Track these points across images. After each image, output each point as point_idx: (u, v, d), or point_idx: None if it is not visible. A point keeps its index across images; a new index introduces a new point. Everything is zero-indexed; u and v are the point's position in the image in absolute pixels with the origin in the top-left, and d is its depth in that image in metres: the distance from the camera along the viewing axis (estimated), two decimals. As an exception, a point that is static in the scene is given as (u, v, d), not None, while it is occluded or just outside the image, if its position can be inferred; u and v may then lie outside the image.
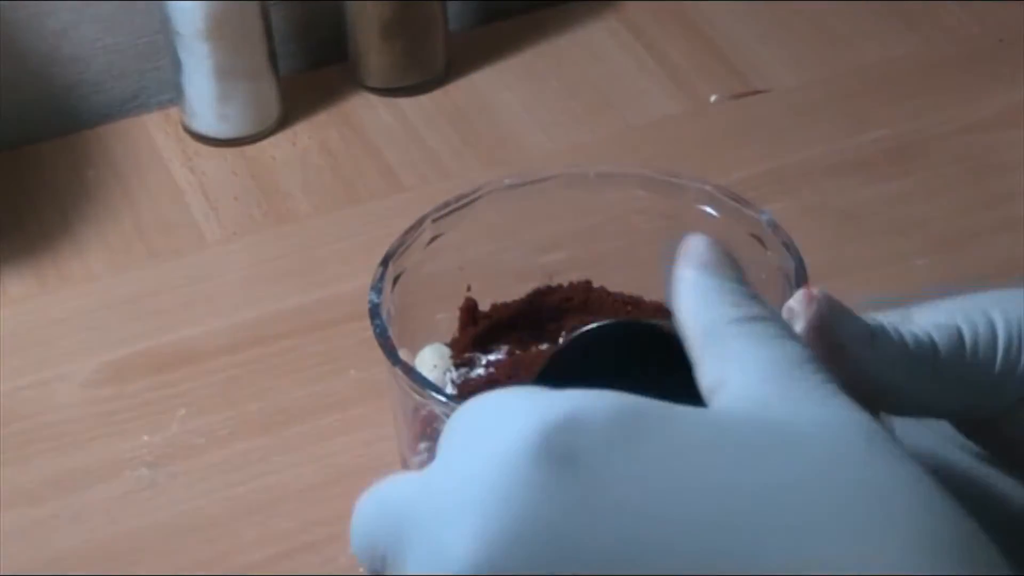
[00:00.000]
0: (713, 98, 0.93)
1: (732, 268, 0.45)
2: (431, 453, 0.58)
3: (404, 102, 0.94)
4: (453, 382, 0.60)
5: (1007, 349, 0.48)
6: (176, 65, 0.90)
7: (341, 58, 0.96)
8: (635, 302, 0.65)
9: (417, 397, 0.57)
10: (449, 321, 0.64)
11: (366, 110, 0.94)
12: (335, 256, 0.83)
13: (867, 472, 0.39)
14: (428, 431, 0.59)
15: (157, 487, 0.71)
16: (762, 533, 0.37)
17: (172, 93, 0.93)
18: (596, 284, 0.65)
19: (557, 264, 0.66)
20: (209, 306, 0.81)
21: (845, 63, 0.95)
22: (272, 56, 0.91)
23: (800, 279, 0.59)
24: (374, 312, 0.59)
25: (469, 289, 0.65)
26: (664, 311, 0.64)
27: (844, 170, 0.87)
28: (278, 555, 0.68)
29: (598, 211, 0.65)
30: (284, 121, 0.93)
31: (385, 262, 0.61)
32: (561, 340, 0.60)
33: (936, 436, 0.53)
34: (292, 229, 0.86)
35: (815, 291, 0.48)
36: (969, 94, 0.92)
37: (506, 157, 0.89)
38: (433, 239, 0.63)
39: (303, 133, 0.92)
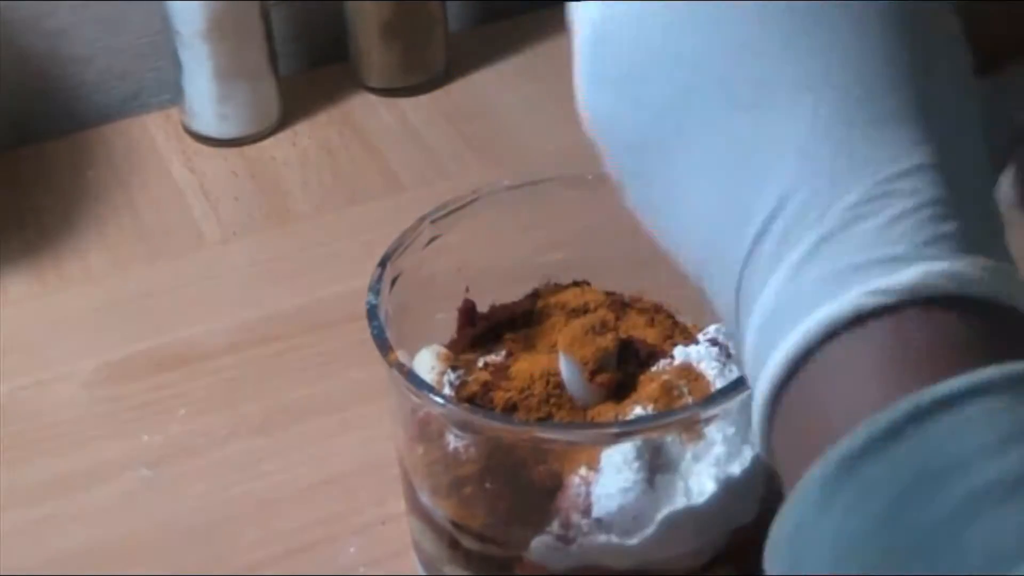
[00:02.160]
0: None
1: None
2: (428, 455, 0.58)
3: (404, 102, 0.94)
4: (451, 384, 0.60)
5: None
6: (176, 65, 0.90)
7: (341, 58, 0.96)
8: (634, 303, 0.65)
9: (414, 399, 0.57)
10: (447, 322, 0.64)
11: (366, 110, 0.94)
12: (335, 256, 0.83)
13: None
14: (426, 432, 0.59)
15: (157, 487, 0.72)
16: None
17: (172, 93, 0.93)
18: (595, 285, 0.65)
19: (556, 265, 0.66)
20: (209, 306, 0.81)
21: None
22: (272, 56, 0.91)
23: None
24: (372, 313, 0.59)
25: (467, 290, 0.65)
26: (661, 311, 0.64)
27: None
28: (278, 555, 0.68)
29: (597, 212, 0.65)
30: (284, 121, 0.93)
31: (383, 263, 0.61)
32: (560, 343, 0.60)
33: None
34: (292, 229, 0.86)
35: None
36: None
37: (506, 157, 0.89)
38: (432, 240, 0.63)
39: (303, 133, 0.92)
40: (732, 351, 0.60)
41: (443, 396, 0.57)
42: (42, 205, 0.88)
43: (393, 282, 0.61)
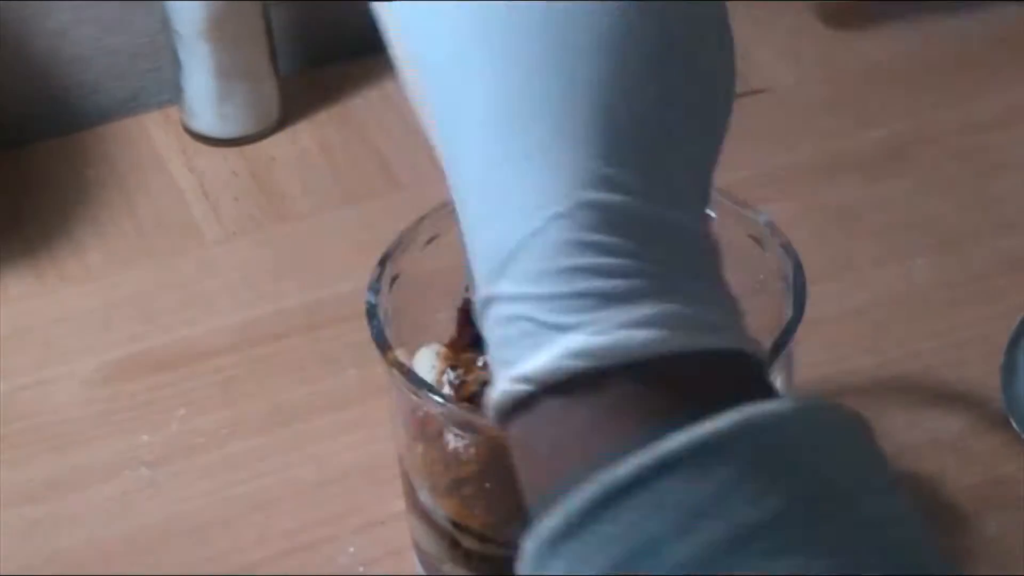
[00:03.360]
0: (713, 98, 0.92)
1: None
2: (428, 455, 0.58)
3: (403, 101, 0.94)
4: (451, 383, 0.60)
5: None
6: (176, 65, 0.90)
7: (341, 58, 0.96)
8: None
9: (414, 398, 0.57)
10: (447, 321, 0.64)
11: (366, 110, 0.94)
12: (334, 256, 0.83)
13: None
14: (425, 432, 0.59)
15: (157, 487, 0.72)
16: None
17: (172, 93, 0.93)
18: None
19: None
20: (209, 306, 0.81)
21: (845, 63, 0.95)
22: (272, 56, 0.91)
23: (798, 281, 0.59)
24: (371, 312, 0.59)
25: (467, 289, 0.65)
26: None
27: (844, 170, 0.87)
28: (278, 555, 0.68)
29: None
30: (284, 121, 0.93)
31: (383, 262, 0.61)
32: None
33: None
34: (292, 229, 0.86)
35: None
36: (969, 94, 0.92)
37: (506, 157, 0.89)
38: (431, 239, 0.63)
39: (303, 133, 0.92)
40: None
41: (443, 396, 0.57)
42: (42, 205, 0.88)
43: (393, 281, 0.61)
